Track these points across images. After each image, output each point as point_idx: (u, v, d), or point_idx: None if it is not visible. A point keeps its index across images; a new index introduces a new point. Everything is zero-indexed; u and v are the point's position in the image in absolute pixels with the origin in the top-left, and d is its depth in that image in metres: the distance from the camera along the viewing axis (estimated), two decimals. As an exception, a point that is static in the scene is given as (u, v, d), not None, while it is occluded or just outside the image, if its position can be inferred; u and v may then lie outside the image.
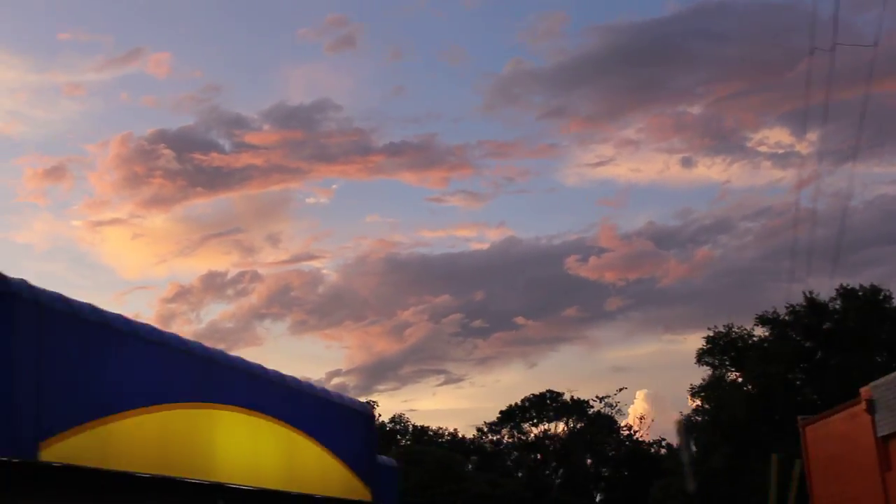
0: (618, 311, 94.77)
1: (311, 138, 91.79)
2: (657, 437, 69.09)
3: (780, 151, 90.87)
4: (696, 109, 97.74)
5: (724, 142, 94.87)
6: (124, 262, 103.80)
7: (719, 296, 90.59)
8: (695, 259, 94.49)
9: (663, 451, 64.54)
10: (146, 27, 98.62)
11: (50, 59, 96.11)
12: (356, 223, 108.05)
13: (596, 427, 68.88)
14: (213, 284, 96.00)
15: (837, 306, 42.29)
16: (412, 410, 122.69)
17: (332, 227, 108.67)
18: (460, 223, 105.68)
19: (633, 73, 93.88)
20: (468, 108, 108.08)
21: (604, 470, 69.96)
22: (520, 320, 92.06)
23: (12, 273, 11.32)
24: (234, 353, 17.40)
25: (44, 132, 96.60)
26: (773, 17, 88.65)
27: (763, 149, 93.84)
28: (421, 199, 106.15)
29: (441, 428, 72.66)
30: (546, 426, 70.15)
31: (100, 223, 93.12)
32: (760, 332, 44.27)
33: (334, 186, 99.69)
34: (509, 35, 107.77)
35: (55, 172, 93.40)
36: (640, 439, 69.78)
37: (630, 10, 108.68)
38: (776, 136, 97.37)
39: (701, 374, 48.24)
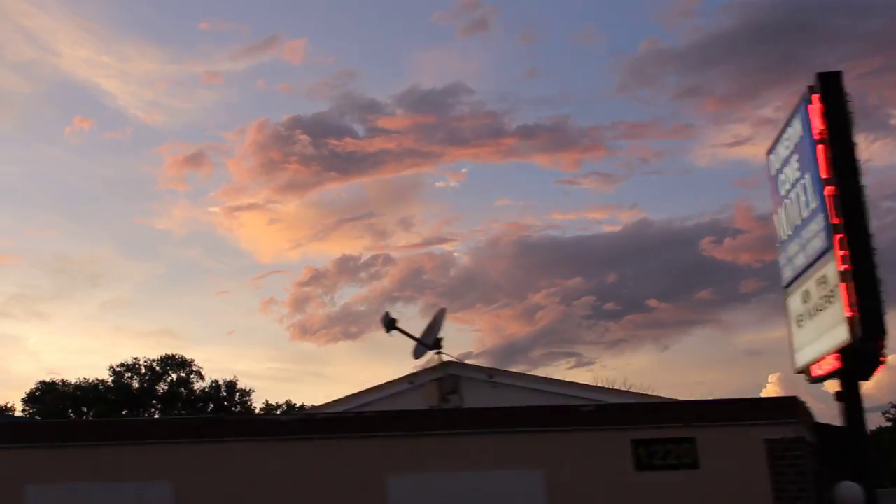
0: (753, 294, 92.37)
1: (443, 122, 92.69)
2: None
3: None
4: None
5: (866, 119, 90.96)
6: (260, 246, 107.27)
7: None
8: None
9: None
10: (282, 15, 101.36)
11: (188, 49, 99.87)
12: (488, 206, 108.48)
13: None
14: (347, 268, 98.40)
15: None
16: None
17: (464, 210, 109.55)
18: (592, 205, 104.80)
19: (770, 51, 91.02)
20: (602, 90, 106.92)
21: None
22: (652, 303, 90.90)
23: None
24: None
25: (183, 120, 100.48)
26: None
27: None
28: (553, 182, 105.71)
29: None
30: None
31: (237, 208, 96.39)
32: None
33: (464, 170, 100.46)
34: (643, 15, 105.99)
35: (194, 159, 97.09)
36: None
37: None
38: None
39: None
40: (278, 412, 60.32)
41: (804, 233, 12.81)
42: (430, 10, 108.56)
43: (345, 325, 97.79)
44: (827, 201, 11.78)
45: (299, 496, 10.75)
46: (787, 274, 13.84)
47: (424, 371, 15.76)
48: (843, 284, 11.36)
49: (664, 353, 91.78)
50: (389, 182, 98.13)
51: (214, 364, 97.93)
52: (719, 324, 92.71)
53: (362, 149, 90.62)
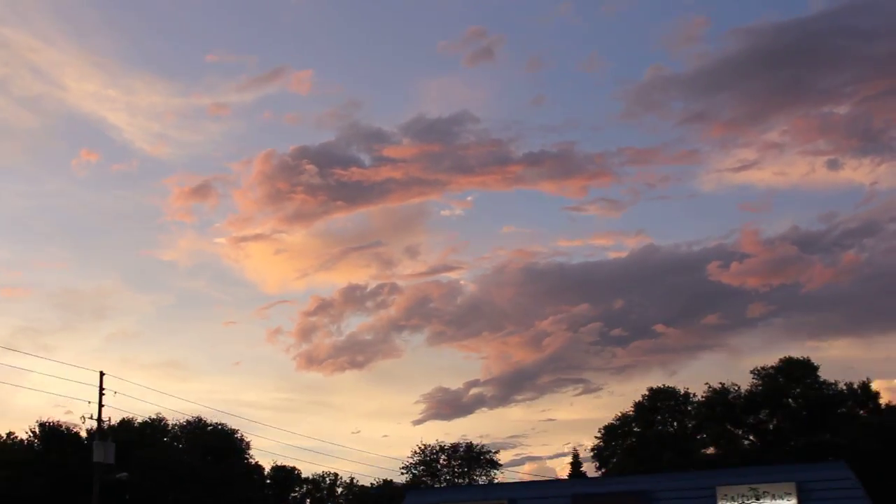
0: (760, 318, 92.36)
1: (449, 150, 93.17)
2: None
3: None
4: (842, 110, 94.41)
5: (872, 142, 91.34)
6: (266, 276, 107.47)
7: (866, 301, 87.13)
8: (840, 263, 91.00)
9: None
10: (289, 46, 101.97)
11: (195, 81, 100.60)
12: (494, 234, 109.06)
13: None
14: (353, 297, 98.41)
15: None
16: (550, 420, 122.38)
17: (470, 238, 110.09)
18: (598, 232, 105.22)
19: (776, 75, 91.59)
20: (607, 116, 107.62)
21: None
22: (659, 328, 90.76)
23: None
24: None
25: (189, 152, 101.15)
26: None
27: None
28: (559, 209, 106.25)
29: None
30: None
31: (243, 239, 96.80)
32: None
33: (470, 198, 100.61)
34: (649, 41, 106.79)
35: (200, 191, 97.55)
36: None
37: (772, 10, 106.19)
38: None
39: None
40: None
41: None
42: (436, 40, 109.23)
43: (351, 355, 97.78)
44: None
45: None
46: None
47: None
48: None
49: (672, 378, 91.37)
50: (396, 211, 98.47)
51: (220, 395, 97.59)
52: (727, 348, 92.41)
53: (368, 178, 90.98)
